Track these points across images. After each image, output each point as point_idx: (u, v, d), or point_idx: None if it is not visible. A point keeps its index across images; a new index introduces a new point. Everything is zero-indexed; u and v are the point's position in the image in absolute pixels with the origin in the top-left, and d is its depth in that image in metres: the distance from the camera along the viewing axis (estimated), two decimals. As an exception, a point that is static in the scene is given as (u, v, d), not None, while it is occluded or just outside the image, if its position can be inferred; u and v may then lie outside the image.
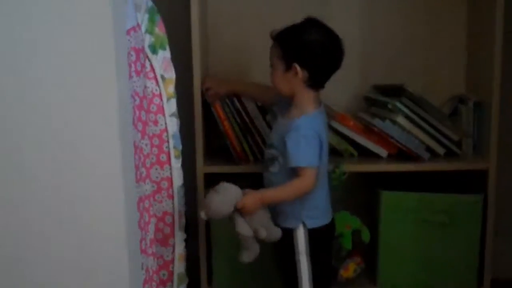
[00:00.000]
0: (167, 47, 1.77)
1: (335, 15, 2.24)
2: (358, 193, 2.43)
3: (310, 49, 1.81)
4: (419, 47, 2.43)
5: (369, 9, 2.43)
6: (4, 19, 1.16)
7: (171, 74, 1.80)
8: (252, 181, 2.00)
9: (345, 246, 2.23)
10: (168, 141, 1.82)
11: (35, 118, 1.19)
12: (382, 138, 2.20)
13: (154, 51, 1.73)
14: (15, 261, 1.26)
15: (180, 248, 1.92)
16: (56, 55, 1.17)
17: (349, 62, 2.38)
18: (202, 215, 1.83)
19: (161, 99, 1.78)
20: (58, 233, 1.25)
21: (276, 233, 1.86)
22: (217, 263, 2.30)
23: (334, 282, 2.23)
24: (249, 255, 1.87)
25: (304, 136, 1.79)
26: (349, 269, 2.29)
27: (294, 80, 1.82)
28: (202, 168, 2.16)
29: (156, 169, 1.81)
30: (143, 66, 1.61)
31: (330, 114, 2.27)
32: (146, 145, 1.67)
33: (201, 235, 2.22)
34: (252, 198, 1.82)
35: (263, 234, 1.83)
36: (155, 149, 1.80)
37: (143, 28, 1.67)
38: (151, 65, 1.74)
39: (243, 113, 2.15)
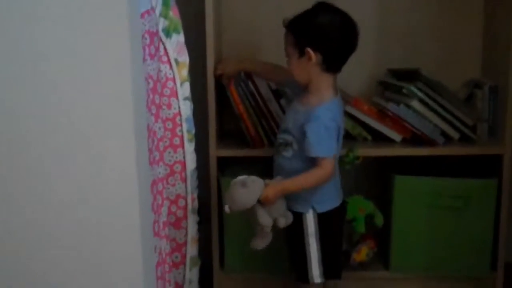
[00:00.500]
0: (181, 31, 1.77)
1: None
2: (371, 178, 2.43)
3: (320, 31, 1.80)
4: (435, 31, 2.40)
5: (385, -8, 2.41)
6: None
7: (184, 58, 1.80)
8: (264, 165, 2.00)
9: (359, 230, 2.23)
10: (181, 125, 1.83)
11: (47, 99, 1.19)
12: (396, 122, 2.19)
13: (168, 34, 1.73)
14: (31, 247, 1.27)
15: (192, 231, 1.93)
16: (70, 36, 1.17)
17: (364, 46, 2.37)
18: (226, 209, 1.81)
19: (175, 83, 1.79)
20: (71, 213, 1.25)
21: (289, 219, 1.87)
22: (229, 246, 2.31)
23: (347, 266, 2.24)
24: (262, 243, 1.88)
25: (325, 127, 1.79)
26: (362, 253, 2.29)
27: (309, 66, 1.82)
28: (215, 151, 2.15)
29: (169, 152, 1.82)
30: (157, 49, 1.60)
31: (345, 98, 2.26)
32: (160, 128, 1.67)
33: (213, 218, 2.23)
34: (274, 189, 1.81)
35: (282, 223, 1.84)
36: (168, 133, 1.80)
37: (157, 12, 1.66)
38: (165, 49, 1.74)
39: (258, 97, 2.14)
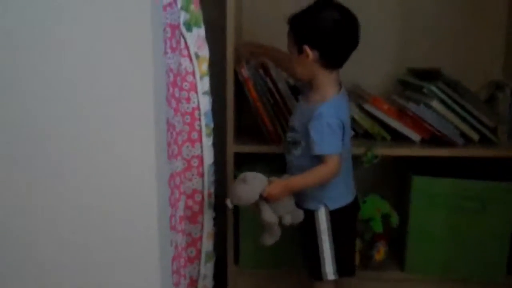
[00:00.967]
0: (202, 25, 1.76)
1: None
2: (389, 177, 2.42)
3: (317, 28, 1.79)
4: (457, 31, 2.38)
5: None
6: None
7: (205, 52, 1.79)
8: (281, 162, 1.99)
9: (376, 229, 2.22)
10: (199, 119, 1.82)
11: (67, 92, 1.19)
12: (416, 122, 2.17)
13: (188, 28, 1.72)
14: (50, 240, 1.27)
15: (208, 226, 1.92)
16: (93, 29, 1.16)
17: (385, 44, 2.38)
18: (228, 203, 1.84)
19: (194, 77, 1.78)
20: (89, 205, 1.25)
21: (299, 216, 1.87)
22: (244, 242, 2.31)
23: (368, 266, 2.26)
24: (271, 239, 1.89)
25: (328, 125, 1.78)
26: (381, 252, 2.29)
27: (308, 63, 1.81)
28: (232, 147, 2.15)
29: (187, 146, 1.81)
30: (178, 43, 1.60)
31: (364, 96, 2.25)
32: (179, 122, 1.66)
33: (228, 213, 2.22)
34: (278, 186, 1.82)
35: (287, 221, 1.84)
36: (186, 127, 1.80)
37: (178, 5, 1.65)
38: (186, 43, 1.73)
39: (275, 93, 2.13)
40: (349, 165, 1.95)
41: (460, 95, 2.14)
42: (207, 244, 1.92)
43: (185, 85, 1.75)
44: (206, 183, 1.86)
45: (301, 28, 1.81)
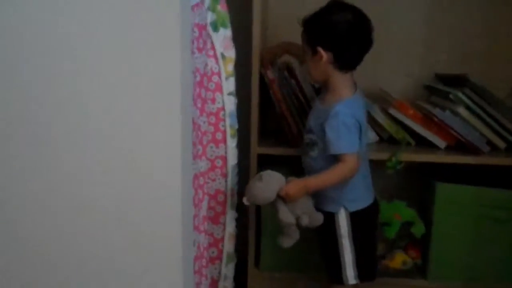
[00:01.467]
0: (229, 25, 1.76)
1: (400, 2, 2.19)
2: (413, 183, 2.39)
3: (330, 30, 1.79)
4: (484, 37, 2.35)
5: (435, -4, 2.37)
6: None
7: (231, 53, 1.79)
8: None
9: (388, 235, 2.19)
10: (224, 120, 1.82)
11: (98, 90, 1.20)
12: (441, 128, 2.15)
13: (215, 28, 1.72)
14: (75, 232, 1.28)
15: (230, 227, 1.92)
16: (122, 26, 1.17)
17: (412, 49, 2.36)
18: (244, 200, 1.83)
19: (220, 77, 1.78)
20: (114, 204, 1.26)
21: (318, 219, 1.86)
22: (265, 244, 2.30)
23: (383, 272, 2.22)
24: (289, 241, 1.87)
25: (343, 123, 1.77)
26: (396, 260, 2.26)
27: (322, 65, 1.81)
28: (256, 148, 2.14)
29: (211, 147, 1.82)
30: (205, 43, 1.60)
31: (389, 101, 2.23)
32: (204, 122, 1.67)
33: (251, 215, 2.22)
34: (295, 186, 1.81)
35: (305, 221, 1.83)
36: (211, 127, 1.80)
37: (205, 5, 1.66)
38: (212, 43, 1.73)
39: (300, 95, 2.13)
40: (367, 166, 1.94)
41: (487, 102, 2.12)
42: (229, 245, 1.92)
43: (211, 86, 1.75)
44: (229, 184, 1.86)
45: (315, 30, 1.81)
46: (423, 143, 2.22)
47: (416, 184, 2.40)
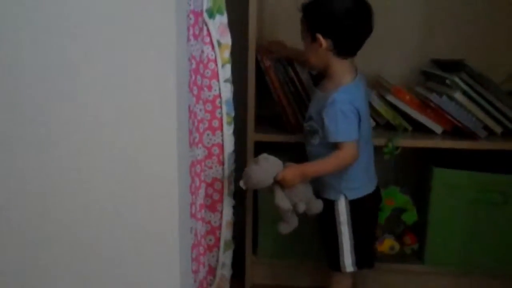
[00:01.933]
0: (225, 12, 1.75)
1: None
2: (410, 169, 2.39)
3: (329, 16, 1.77)
4: (481, 22, 2.34)
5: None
6: None
7: (227, 40, 1.78)
8: (302, 152, 1.98)
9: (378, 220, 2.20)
10: (221, 107, 1.81)
11: (93, 77, 1.19)
12: (438, 113, 2.15)
13: (211, 15, 1.71)
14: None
15: (227, 215, 1.92)
16: (117, 13, 1.16)
17: (408, 35, 2.34)
18: (241, 184, 1.83)
19: (216, 65, 1.77)
20: (110, 192, 1.25)
21: (318, 207, 1.86)
22: (262, 232, 2.31)
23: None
24: (286, 227, 1.87)
25: (341, 111, 1.76)
26: (384, 244, 2.28)
27: (321, 51, 1.80)
28: (253, 136, 2.14)
29: (208, 134, 1.81)
30: (201, 30, 1.59)
31: (386, 86, 2.23)
32: (200, 110, 1.66)
33: (248, 202, 2.22)
34: (293, 171, 1.81)
35: (301, 208, 1.82)
36: (208, 115, 1.79)
37: (201, -9, 1.65)
38: (208, 30, 1.72)
39: (297, 83, 2.12)
40: (370, 154, 1.93)
41: (483, 87, 2.11)
42: (226, 233, 1.92)
43: (207, 73, 1.75)
44: (226, 172, 1.86)
45: (314, 16, 1.80)
46: (420, 129, 2.22)
47: (413, 170, 2.40)
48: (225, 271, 1.97)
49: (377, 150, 2.03)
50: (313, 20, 1.81)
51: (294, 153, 2.03)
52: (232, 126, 1.85)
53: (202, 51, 1.66)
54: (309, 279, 2.36)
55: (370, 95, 2.15)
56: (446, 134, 2.20)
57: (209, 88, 1.77)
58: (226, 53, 1.78)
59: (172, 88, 1.20)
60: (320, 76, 2.05)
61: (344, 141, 1.78)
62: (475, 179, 2.17)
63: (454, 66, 2.16)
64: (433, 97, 2.10)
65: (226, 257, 1.94)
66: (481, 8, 2.33)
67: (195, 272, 1.66)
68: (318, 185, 1.89)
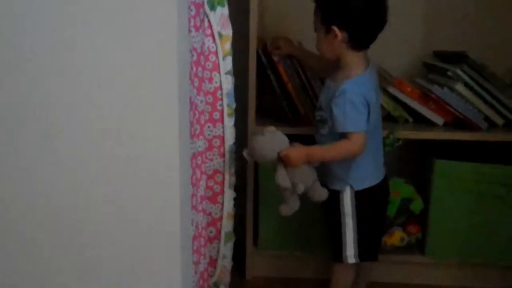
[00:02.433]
0: (226, 4, 1.74)
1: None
2: (412, 161, 2.39)
3: (347, 9, 1.76)
4: (484, 14, 2.33)
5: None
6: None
7: (228, 31, 1.77)
8: (302, 144, 1.98)
9: (389, 213, 2.20)
10: (222, 99, 1.81)
11: (95, 70, 1.19)
12: (439, 105, 2.15)
13: (212, 7, 1.70)
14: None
15: (228, 207, 1.92)
16: (119, 5, 1.16)
17: (410, 26, 2.34)
18: (245, 154, 1.83)
19: (217, 57, 1.76)
20: (112, 184, 1.25)
21: (322, 195, 1.85)
22: (263, 224, 2.31)
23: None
24: (286, 209, 1.86)
25: (350, 101, 1.76)
26: (395, 237, 2.27)
27: (336, 43, 1.79)
28: (253, 128, 2.14)
29: (209, 126, 1.81)
30: (202, 21, 1.59)
31: (387, 78, 2.23)
32: (201, 101, 1.66)
33: (249, 194, 2.23)
34: (298, 151, 1.80)
35: (300, 189, 1.80)
36: (208, 107, 1.79)
37: (202, -17, 1.64)
38: (209, 21, 1.71)
39: (302, 75, 2.13)
40: (379, 145, 1.93)
41: (485, 78, 2.11)
42: (227, 224, 1.92)
43: (208, 65, 1.74)
44: (227, 164, 1.85)
45: (330, 8, 1.78)
46: (421, 121, 2.22)
47: (415, 161, 2.40)
48: (226, 263, 1.97)
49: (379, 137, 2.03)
50: (329, 12, 1.78)
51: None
52: (233, 118, 1.84)
53: (203, 43, 1.65)
54: (310, 271, 2.36)
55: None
56: (447, 126, 2.20)
57: (210, 80, 1.76)
58: (227, 45, 1.77)
59: (173, 79, 1.19)
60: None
61: (352, 132, 1.77)
62: (476, 170, 2.17)
63: (456, 57, 2.16)
64: (435, 88, 2.10)
65: (227, 249, 1.94)
66: (483, 1, 2.33)
67: (196, 263, 1.66)
68: (324, 175, 1.89)
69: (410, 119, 2.23)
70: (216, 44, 1.74)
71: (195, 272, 1.65)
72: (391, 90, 2.18)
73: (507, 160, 2.17)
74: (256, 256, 2.35)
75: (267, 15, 2.38)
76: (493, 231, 2.21)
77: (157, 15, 1.16)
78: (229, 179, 1.88)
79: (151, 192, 1.26)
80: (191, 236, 1.54)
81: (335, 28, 1.76)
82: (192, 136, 1.52)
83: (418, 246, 2.33)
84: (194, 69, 1.54)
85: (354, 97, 1.76)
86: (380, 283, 2.30)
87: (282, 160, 1.79)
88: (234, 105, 1.84)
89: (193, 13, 1.49)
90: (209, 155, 1.82)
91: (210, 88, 1.77)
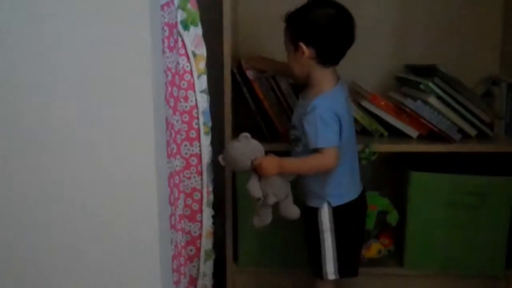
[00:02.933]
0: (199, 23, 1.76)
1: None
2: (387, 174, 2.42)
3: (313, 25, 1.80)
4: (453, 27, 2.39)
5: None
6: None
7: (202, 51, 1.78)
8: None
9: (367, 226, 2.22)
10: (198, 118, 1.82)
11: (67, 92, 1.19)
12: (413, 118, 2.18)
13: (185, 27, 1.72)
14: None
15: (207, 224, 1.92)
16: (91, 27, 1.16)
17: (382, 41, 2.38)
18: (220, 159, 1.86)
19: (192, 76, 1.78)
20: (89, 204, 1.25)
21: (293, 212, 1.87)
22: (243, 241, 2.31)
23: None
24: (258, 220, 1.89)
25: (320, 117, 1.78)
26: (372, 249, 2.28)
27: (304, 60, 1.82)
28: (230, 145, 2.14)
29: (186, 145, 1.81)
30: (176, 41, 1.60)
31: (361, 93, 2.25)
32: (177, 121, 1.66)
33: (227, 212, 2.23)
34: (270, 160, 1.82)
35: (271, 201, 1.83)
36: (185, 126, 1.80)
37: (175, 4, 1.65)
38: (183, 41, 1.73)
39: (278, 92, 2.14)
40: (354, 160, 1.94)
41: (456, 90, 2.15)
42: (206, 242, 1.92)
43: (183, 84, 1.75)
44: (205, 182, 1.86)
45: (297, 25, 1.82)
46: (396, 134, 2.24)
47: (391, 174, 2.43)
48: (206, 281, 1.96)
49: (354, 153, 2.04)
50: (296, 29, 1.82)
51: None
52: (210, 136, 1.85)
53: (178, 63, 1.67)
54: (291, 286, 2.36)
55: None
56: (421, 138, 2.23)
57: (186, 99, 1.77)
58: (202, 64, 1.79)
59: (148, 100, 1.20)
60: (300, 86, 2.08)
61: (323, 147, 1.79)
62: (451, 181, 2.20)
63: (427, 71, 2.19)
64: (408, 102, 2.13)
65: (207, 267, 1.94)
66: (452, 14, 2.38)
67: (176, 283, 1.65)
68: (301, 192, 1.91)
69: (385, 133, 2.26)
70: (190, 63, 1.76)
71: (176, 292, 1.64)
72: (366, 104, 2.20)
73: (481, 170, 2.20)
74: (237, 274, 2.35)
75: (240, 32, 2.40)
76: (470, 240, 2.23)
77: (131, 37, 1.16)
78: (207, 197, 1.89)
79: (129, 211, 1.26)
80: (170, 256, 1.54)
81: (302, 45, 1.79)
82: (169, 156, 1.52)
83: (396, 258, 2.34)
84: (170, 89, 1.55)
85: (325, 113, 1.78)
86: (359, 296, 2.31)
87: (256, 170, 1.80)
88: (210, 124, 1.85)
89: (166, 34, 1.50)
90: (187, 173, 1.83)
91: (185, 107, 1.78)
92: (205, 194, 1.88)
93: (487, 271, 2.26)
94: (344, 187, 1.91)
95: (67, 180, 1.23)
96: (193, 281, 1.91)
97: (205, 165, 1.85)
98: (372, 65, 2.36)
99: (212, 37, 1.94)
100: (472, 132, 2.20)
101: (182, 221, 1.73)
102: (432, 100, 2.12)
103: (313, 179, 1.89)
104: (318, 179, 1.87)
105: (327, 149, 1.79)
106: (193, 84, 1.78)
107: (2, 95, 1.20)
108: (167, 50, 1.51)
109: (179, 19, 1.68)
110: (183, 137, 1.78)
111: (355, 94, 2.28)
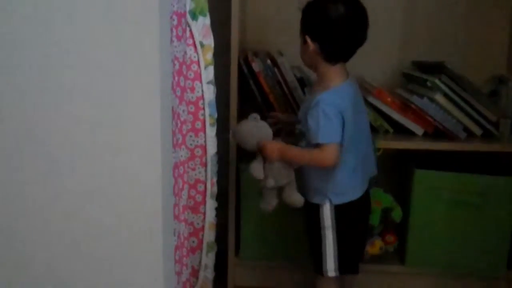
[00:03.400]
0: (207, 14, 1.75)
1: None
2: (392, 170, 2.41)
3: (318, 21, 1.79)
4: (461, 25, 2.38)
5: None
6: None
7: (210, 41, 1.77)
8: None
9: (372, 222, 2.21)
10: (203, 109, 1.81)
11: (74, 82, 1.19)
12: (419, 115, 2.17)
13: (194, 17, 1.71)
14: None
15: (210, 216, 1.91)
16: (100, 16, 1.15)
17: (390, 37, 2.37)
18: (230, 135, 1.94)
19: (199, 66, 1.77)
20: (94, 193, 1.25)
21: (296, 199, 1.88)
22: (245, 234, 2.31)
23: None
24: (263, 204, 1.92)
25: (323, 112, 1.76)
26: (375, 246, 2.27)
27: (310, 53, 1.81)
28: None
29: (191, 136, 1.81)
30: (184, 31, 1.59)
31: (368, 89, 2.25)
32: (183, 111, 1.65)
33: (230, 204, 2.22)
34: (273, 144, 1.85)
35: (269, 183, 1.85)
36: (190, 116, 1.79)
37: (184, -7, 1.65)
38: (191, 31, 1.72)
39: (284, 85, 2.14)
40: (359, 159, 1.89)
41: (463, 89, 2.14)
42: (209, 234, 1.91)
43: (190, 74, 1.74)
44: (209, 173, 1.85)
45: (306, 18, 1.82)
46: (401, 130, 2.24)
47: (395, 171, 2.42)
48: (207, 273, 1.96)
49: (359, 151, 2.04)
50: (305, 21, 1.82)
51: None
52: (215, 128, 1.84)
53: (185, 53, 1.66)
54: (292, 281, 2.36)
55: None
56: (427, 136, 2.22)
57: (192, 89, 1.77)
58: (209, 55, 1.78)
59: (155, 89, 1.19)
60: (306, 79, 2.07)
61: (324, 143, 1.77)
62: (455, 180, 2.20)
63: (434, 68, 2.19)
64: (414, 98, 2.12)
65: (208, 259, 1.93)
66: (460, 11, 2.37)
67: (178, 274, 1.65)
68: (304, 188, 1.89)
69: (391, 130, 2.25)
70: (198, 54, 1.75)
71: (178, 283, 1.64)
72: (371, 100, 2.19)
73: (485, 169, 2.19)
74: (238, 267, 2.35)
75: (248, 25, 2.39)
76: (473, 239, 2.23)
77: (139, 25, 1.16)
78: (210, 188, 1.88)
79: (133, 202, 1.26)
80: (173, 246, 1.53)
81: (308, 38, 1.79)
82: (174, 146, 1.52)
83: (398, 256, 2.34)
84: (176, 78, 1.54)
85: (328, 108, 1.76)
86: (360, 293, 2.31)
87: (259, 151, 1.83)
88: (215, 115, 1.84)
89: (175, 22, 1.49)
90: (191, 164, 1.82)
91: (192, 97, 1.77)
92: (209, 186, 1.87)
93: (489, 271, 2.26)
94: (345, 187, 1.88)
95: (70, 167, 1.23)
96: (194, 272, 1.91)
97: (209, 157, 1.84)
98: (379, 61, 2.36)
99: (220, 27, 1.93)
100: (478, 131, 2.19)
101: (186, 212, 1.72)
102: (439, 97, 2.11)
103: (315, 175, 1.88)
104: (320, 176, 1.86)
105: (327, 145, 1.77)
106: (200, 74, 1.77)
107: (10, 94, 1.20)
108: (175, 39, 1.50)
109: (188, 8, 1.67)
110: (189, 127, 1.78)
111: (362, 90, 2.26)
